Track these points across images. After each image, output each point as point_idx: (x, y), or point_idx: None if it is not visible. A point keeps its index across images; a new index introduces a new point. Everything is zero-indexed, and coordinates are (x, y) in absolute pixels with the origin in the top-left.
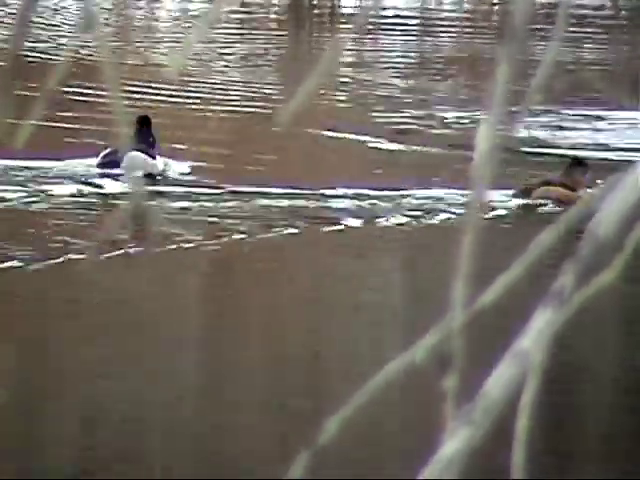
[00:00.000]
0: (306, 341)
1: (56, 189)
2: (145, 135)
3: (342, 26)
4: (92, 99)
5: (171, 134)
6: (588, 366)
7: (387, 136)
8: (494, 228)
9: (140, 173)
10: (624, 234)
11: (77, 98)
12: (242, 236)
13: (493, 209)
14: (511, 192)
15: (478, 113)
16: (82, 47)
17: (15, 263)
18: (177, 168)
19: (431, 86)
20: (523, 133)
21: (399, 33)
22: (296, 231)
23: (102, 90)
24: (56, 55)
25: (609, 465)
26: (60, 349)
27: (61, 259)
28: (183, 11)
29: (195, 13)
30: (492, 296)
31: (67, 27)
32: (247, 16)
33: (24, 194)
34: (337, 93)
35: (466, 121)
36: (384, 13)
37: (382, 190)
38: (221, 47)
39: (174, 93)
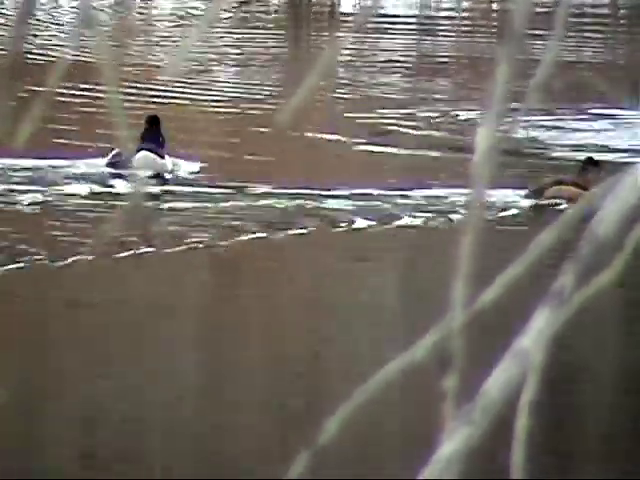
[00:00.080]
0: (335, 340)
1: (68, 189)
2: (154, 135)
3: (341, 25)
4: (95, 99)
5: (172, 135)
6: (588, 366)
7: (366, 137)
8: (506, 228)
9: (149, 172)
10: (624, 234)
11: (79, 98)
12: (251, 236)
13: (505, 209)
14: (523, 192)
15: (461, 112)
16: (81, 47)
17: (30, 262)
18: (186, 167)
19: (427, 86)
20: (521, 133)
21: (397, 32)
22: (306, 231)
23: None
24: (56, 55)
25: (609, 465)
26: (72, 348)
27: (73, 259)
28: (182, 11)
29: (195, 12)
30: (492, 295)
31: (67, 27)
32: (246, 15)
33: (37, 194)
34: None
35: (451, 120)
36: (382, 13)
37: (394, 190)
38: (219, 47)
39: (173, 94)
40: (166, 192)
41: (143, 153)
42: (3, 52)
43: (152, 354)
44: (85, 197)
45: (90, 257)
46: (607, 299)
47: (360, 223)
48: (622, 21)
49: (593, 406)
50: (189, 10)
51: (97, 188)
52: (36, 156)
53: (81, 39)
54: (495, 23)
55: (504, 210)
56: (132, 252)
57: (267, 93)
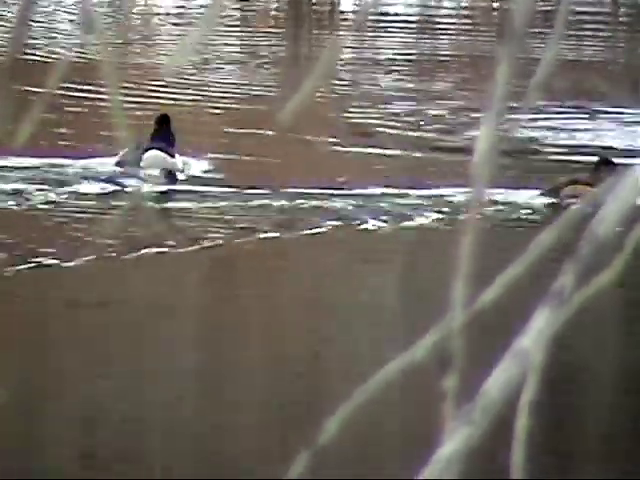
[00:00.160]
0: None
1: (81, 188)
2: (165, 133)
3: (342, 24)
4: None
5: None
6: (588, 366)
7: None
8: (522, 226)
9: (158, 171)
10: (624, 234)
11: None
12: (264, 235)
13: (521, 208)
14: (538, 191)
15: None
16: (84, 46)
17: (46, 261)
18: (197, 166)
19: (421, 86)
20: (521, 133)
21: (397, 31)
22: (320, 230)
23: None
24: (56, 55)
25: (609, 465)
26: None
27: (85, 259)
28: (182, 10)
29: (195, 11)
30: (492, 295)
31: (67, 27)
32: (246, 13)
33: (50, 193)
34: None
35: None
36: (383, 11)
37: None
38: (219, 46)
39: (173, 95)
40: (177, 191)
41: (153, 152)
42: (3, 52)
43: (152, 354)
44: (96, 196)
45: (104, 256)
46: (607, 299)
47: (373, 223)
48: (622, 16)
49: (593, 406)
50: (189, 9)
51: (109, 187)
52: (45, 155)
53: (82, 39)
54: (496, 21)
55: (520, 209)
56: (146, 252)
57: (267, 92)
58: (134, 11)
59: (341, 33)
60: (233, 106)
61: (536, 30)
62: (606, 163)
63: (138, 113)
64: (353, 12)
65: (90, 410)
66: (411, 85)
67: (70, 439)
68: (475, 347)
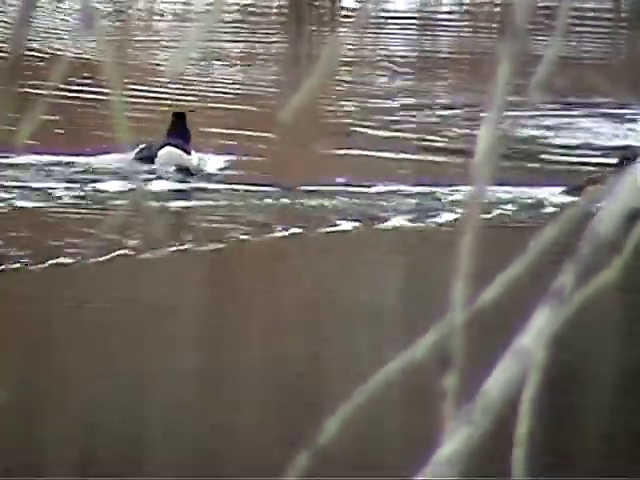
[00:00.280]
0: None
1: (103, 186)
2: (180, 130)
3: (343, 22)
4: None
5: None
6: (588, 366)
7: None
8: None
9: (173, 168)
10: (624, 234)
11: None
12: (285, 233)
13: (543, 206)
14: (560, 189)
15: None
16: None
17: (64, 260)
18: (213, 163)
19: (421, 85)
20: (522, 132)
21: (397, 30)
22: (344, 229)
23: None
24: (56, 54)
25: (609, 465)
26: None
27: (109, 256)
28: (183, 9)
29: (196, 9)
30: (492, 294)
31: (67, 27)
32: (247, 13)
33: (71, 191)
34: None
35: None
36: (384, 10)
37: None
38: (220, 45)
39: (172, 95)
40: (192, 188)
41: (168, 148)
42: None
43: (152, 354)
44: (118, 194)
45: (121, 255)
46: (608, 299)
47: (396, 221)
48: (624, 12)
49: (593, 406)
50: (190, 8)
51: (125, 184)
52: (61, 152)
53: (84, 39)
54: (498, 18)
55: (542, 207)
56: (161, 250)
57: (268, 91)
58: (134, 11)
59: (342, 30)
60: (233, 106)
61: (538, 27)
62: (628, 160)
63: (138, 115)
64: (355, 9)
65: (90, 410)
66: (410, 84)
67: (70, 439)
68: (475, 346)
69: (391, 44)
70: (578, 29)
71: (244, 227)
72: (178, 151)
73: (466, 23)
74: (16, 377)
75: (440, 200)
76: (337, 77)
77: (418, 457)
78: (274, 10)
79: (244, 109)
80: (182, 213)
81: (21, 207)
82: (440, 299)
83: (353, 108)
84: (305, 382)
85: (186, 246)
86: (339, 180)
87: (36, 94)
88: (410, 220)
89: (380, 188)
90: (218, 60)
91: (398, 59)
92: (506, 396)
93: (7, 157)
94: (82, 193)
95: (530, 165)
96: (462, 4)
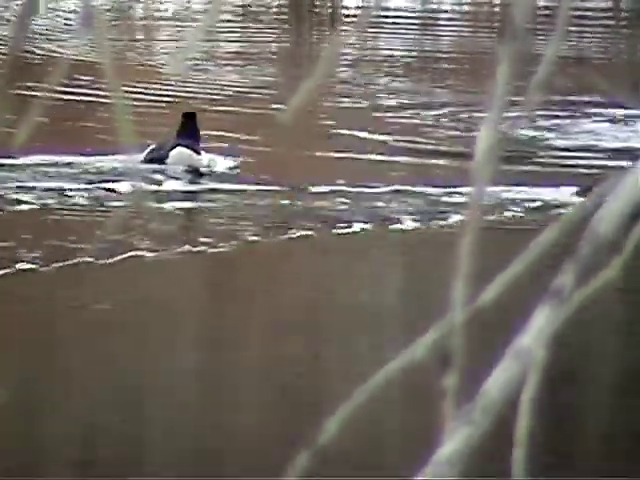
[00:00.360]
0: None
1: (116, 186)
2: (191, 130)
3: (344, 21)
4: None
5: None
6: (588, 365)
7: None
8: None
9: (183, 168)
10: (624, 234)
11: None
12: (298, 234)
13: (557, 207)
14: (574, 190)
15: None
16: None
17: (74, 261)
18: (223, 164)
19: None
20: (521, 133)
21: (396, 28)
22: (367, 227)
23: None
24: (57, 54)
25: (609, 465)
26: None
27: (120, 257)
28: (183, 10)
29: (196, 9)
30: (492, 294)
31: (67, 27)
32: (247, 12)
33: (83, 192)
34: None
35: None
36: (384, 9)
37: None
38: (220, 45)
39: (173, 94)
40: (203, 189)
41: (178, 149)
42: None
43: (152, 354)
44: (122, 195)
45: (134, 255)
46: (608, 299)
47: (409, 223)
48: (624, 11)
49: (593, 406)
50: (190, 8)
51: (135, 185)
52: (71, 152)
53: (84, 39)
54: (497, 18)
55: (556, 208)
56: (167, 252)
57: (268, 91)
58: (134, 11)
59: (343, 29)
60: (234, 106)
61: (537, 27)
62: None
63: (138, 116)
64: (356, 8)
65: (90, 410)
66: (410, 83)
67: (70, 439)
68: (475, 346)
69: (391, 44)
70: (578, 29)
71: (253, 228)
72: (189, 151)
73: (466, 23)
74: (16, 377)
75: (443, 202)
76: (337, 77)
77: (418, 457)
78: (274, 10)
79: (244, 110)
80: (192, 213)
81: (31, 209)
82: (440, 299)
83: (353, 108)
84: (305, 382)
85: (195, 247)
86: (347, 182)
87: (33, 96)
88: (415, 221)
89: (384, 189)
90: (217, 60)
91: (398, 59)
92: (506, 396)
93: (9, 158)
94: (91, 194)
95: (530, 166)
96: (462, 4)
